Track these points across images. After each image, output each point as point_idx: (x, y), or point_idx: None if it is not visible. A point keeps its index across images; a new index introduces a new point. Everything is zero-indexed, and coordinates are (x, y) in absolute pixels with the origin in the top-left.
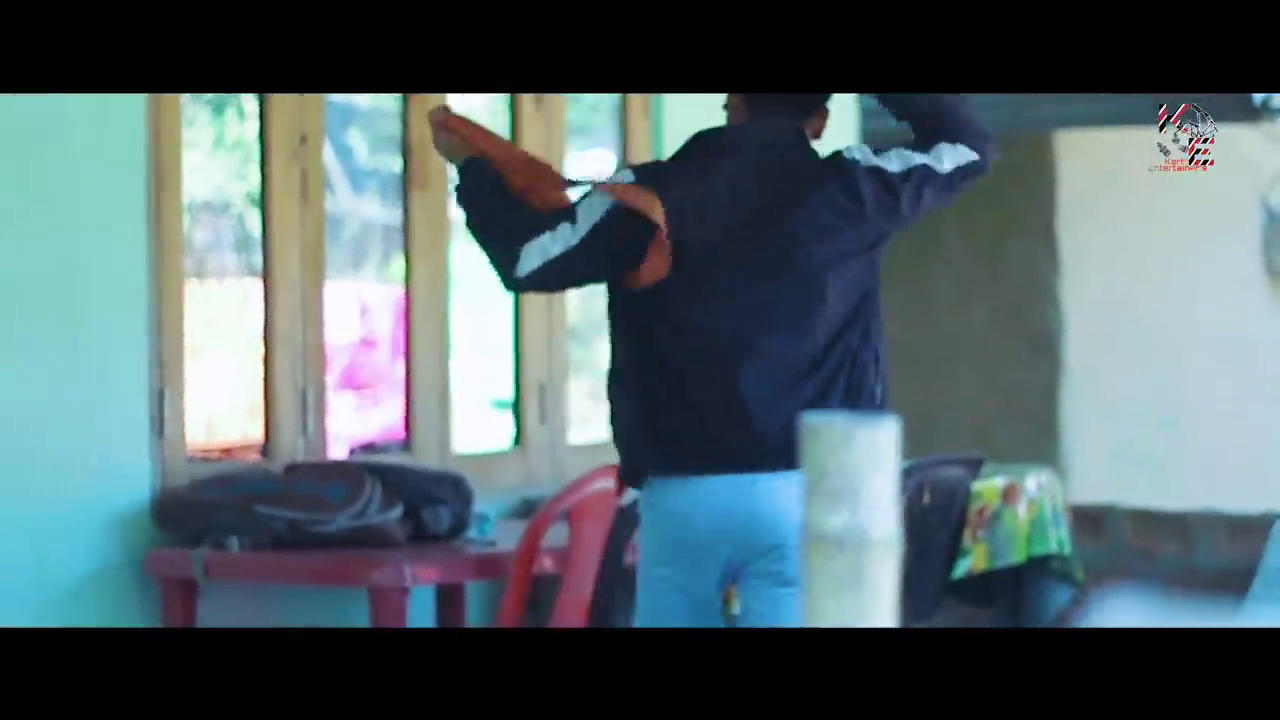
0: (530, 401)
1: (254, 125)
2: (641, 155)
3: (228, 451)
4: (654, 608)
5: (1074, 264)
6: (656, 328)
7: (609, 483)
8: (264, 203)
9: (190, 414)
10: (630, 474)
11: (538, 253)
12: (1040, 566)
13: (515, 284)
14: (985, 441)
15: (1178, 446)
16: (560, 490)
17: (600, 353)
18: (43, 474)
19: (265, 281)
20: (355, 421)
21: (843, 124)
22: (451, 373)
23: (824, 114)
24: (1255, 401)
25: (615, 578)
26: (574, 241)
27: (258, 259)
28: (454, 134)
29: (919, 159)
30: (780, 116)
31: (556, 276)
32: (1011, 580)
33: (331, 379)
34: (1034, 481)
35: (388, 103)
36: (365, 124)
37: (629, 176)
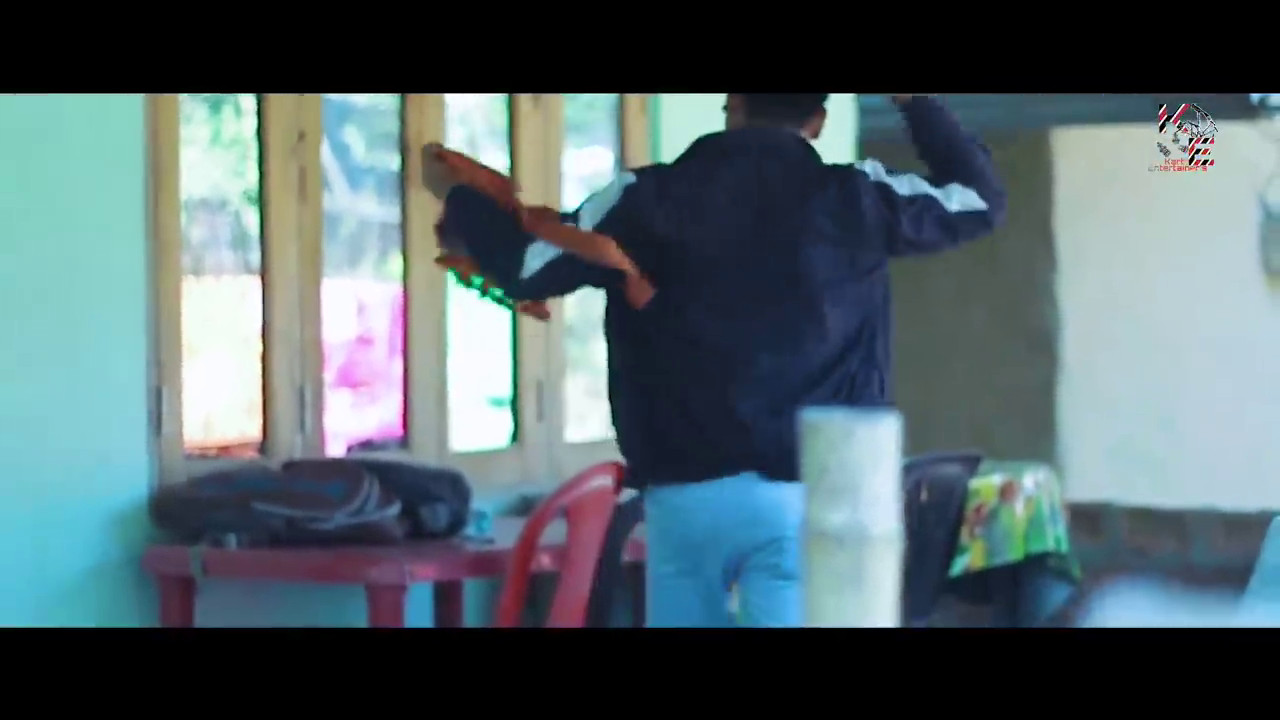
0: (528, 399)
1: (251, 122)
2: (639, 153)
3: (225, 449)
4: (663, 604)
5: (1072, 262)
6: (654, 336)
7: (607, 480)
8: (262, 200)
9: (188, 411)
10: (633, 480)
11: (540, 254)
12: (1038, 564)
13: (519, 286)
14: (983, 439)
15: (1175, 444)
16: (558, 487)
17: (598, 350)
18: (41, 471)
19: (263, 279)
20: (352, 419)
21: (841, 123)
22: (449, 370)
23: (822, 114)
24: (1252, 399)
25: (613, 575)
26: None
27: (255, 256)
28: (444, 165)
29: (929, 189)
30: (779, 118)
31: (561, 277)
32: (1009, 578)
33: (329, 377)
34: (1031, 479)
35: (385, 100)
36: (363, 121)
37: (630, 179)
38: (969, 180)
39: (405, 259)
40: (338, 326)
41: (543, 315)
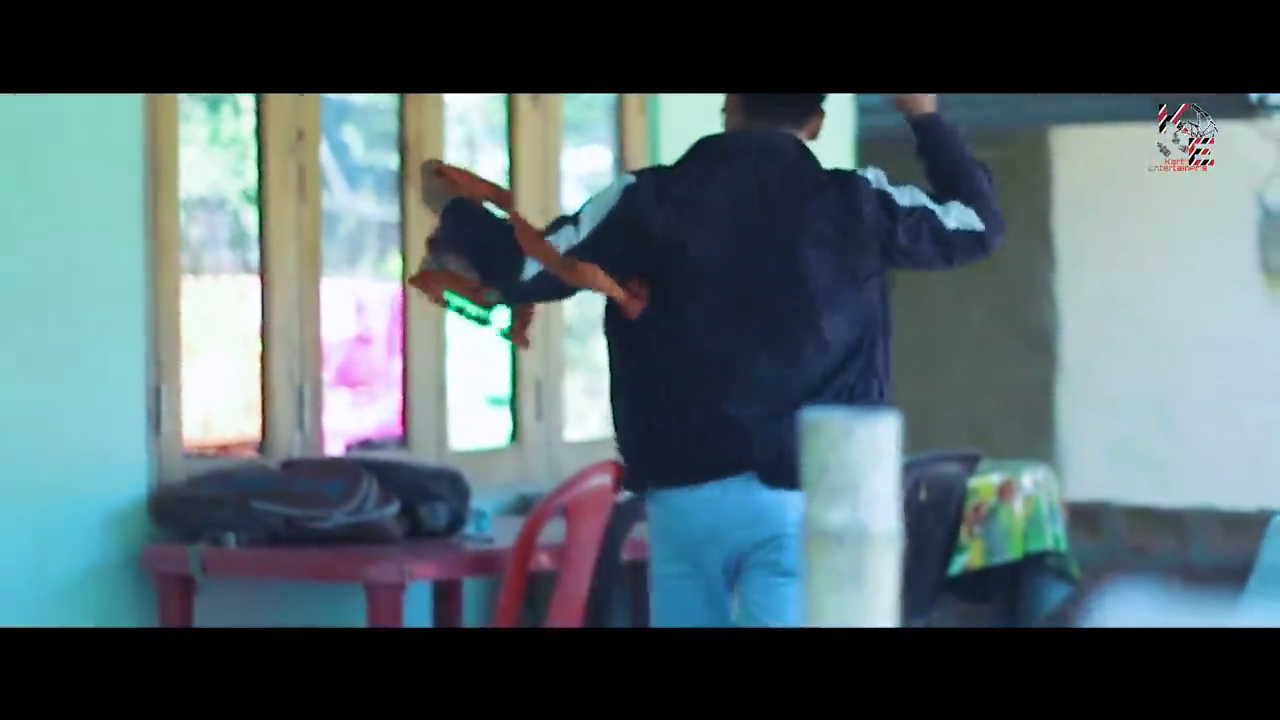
0: (527, 398)
1: (250, 121)
2: (638, 152)
3: (224, 448)
4: (667, 605)
5: (1070, 261)
6: (653, 338)
7: (606, 479)
8: (261, 199)
9: (187, 410)
10: (633, 484)
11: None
12: (1036, 563)
13: (520, 288)
14: (982, 438)
15: (1174, 444)
16: (557, 486)
17: (597, 350)
18: (40, 470)
19: (262, 278)
20: (351, 418)
21: (840, 122)
22: (448, 369)
23: (820, 115)
24: (1251, 399)
25: (612, 573)
26: (577, 241)
27: (254, 255)
28: (443, 180)
29: (928, 203)
30: (777, 119)
31: (559, 282)
32: (1008, 577)
33: (328, 376)
34: (1030, 478)
35: (384, 99)
36: (361, 121)
37: (630, 180)
38: (969, 200)
39: (404, 258)
40: (336, 325)
41: (523, 343)
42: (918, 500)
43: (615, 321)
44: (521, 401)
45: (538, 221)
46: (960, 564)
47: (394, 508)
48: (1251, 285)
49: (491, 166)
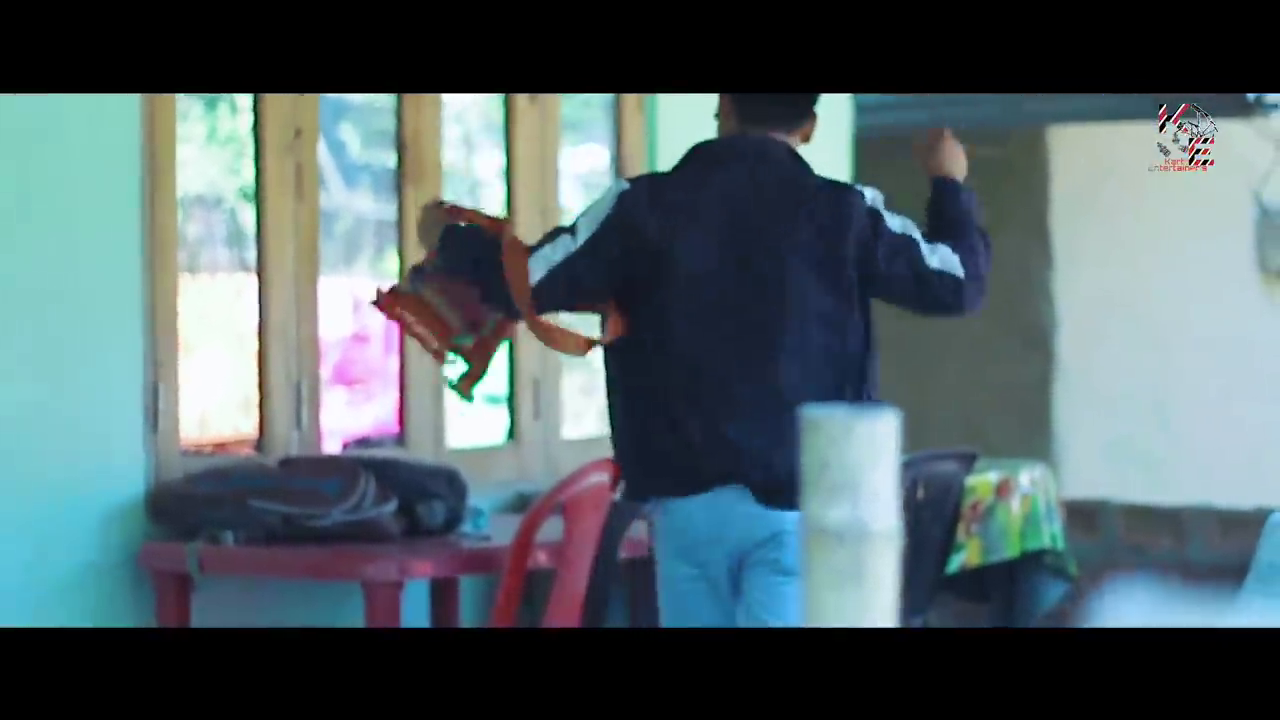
0: (524, 396)
1: (247, 120)
2: (635, 151)
3: (222, 446)
4: (676, 604)
5: (1067, 259)
6: (648, 343)
7: (603, 477)
8: (258, 198)
9: (184, 408)
10: (631, 491)
11: (541, 263)
12: (1034, 561)
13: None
14: (978, 437)
15: (1171, 442)
16: (555, 484)
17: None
18: (37, 468)
19: (259, 276)
20: (349, 416)
21: (838, 121)
22: (445, 368)
23: (813, 119)
24: (1248, 397)
25: (610, 571)
26: (574, 248)
27: (251, 254)
28: (442, 212)
29: (917, 236)
30: (771, 125)
31: (563, 284)
32: (1005, 575)
33: (325, 374)
34: (1027, 477)
35: (381, 98)
36: (359, 119)
37: (624, 186)
38: (957, 248)
39: (401, 256)
40: (334, 324)
41: (468, 397)
42: (915, 499)
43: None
44: (519, 400)
45: (536, 221)
46: (958, 562)
47: (391, 506)
48: (1249, 284)
49: (489, 165)
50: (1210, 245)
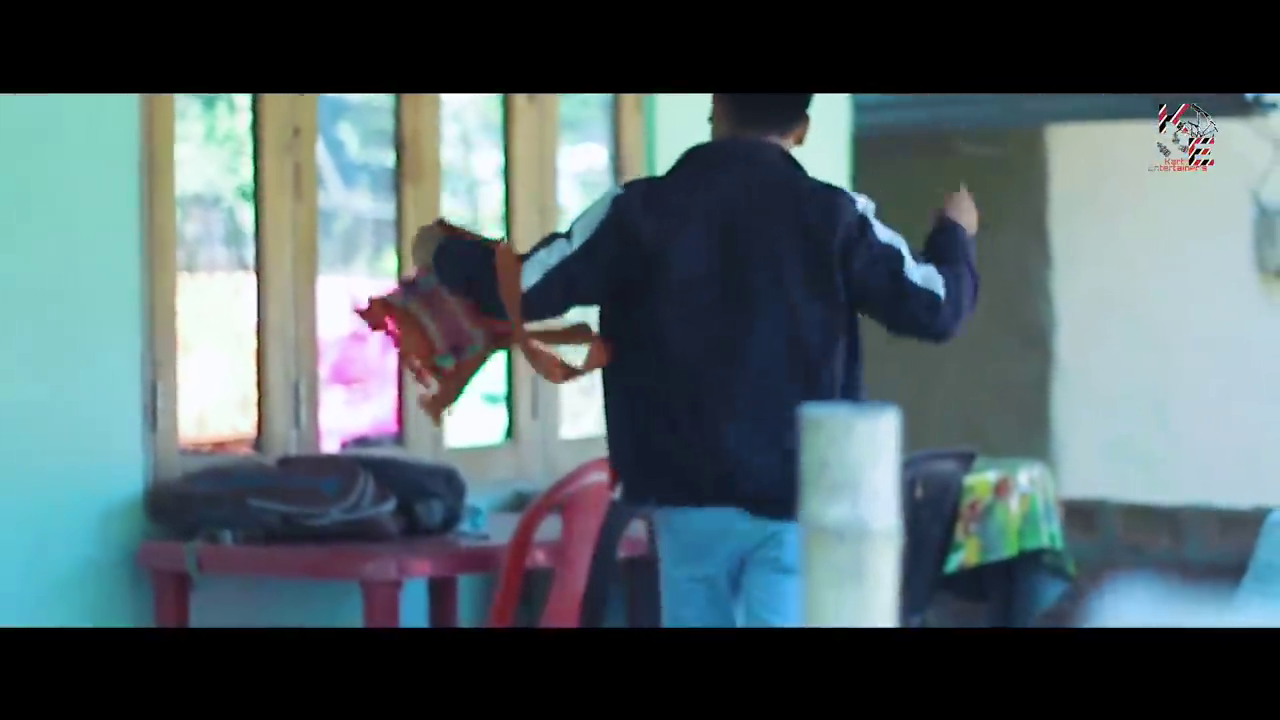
0: (522, 395)
1: (246, 119)
2: (634, 150)
3: (220, 445)
4: (678, 605)
5: (1066, 258)
6: (639, 351)
7: (602, 476)
8: (256, 197)
9: (183, 407)
10: (629, 497)
11: (537, 267)
12: (1032, 561)
13: (523, 299)
14: (977, 436)
15: (1170, 441)
16: (553, 484)
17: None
18: (36, 467)
19: (258, 275)
20: (347, 415)
21: (836, 120)
22: None
23: (806, 122)
24: (1246, 397)
25: (608, 570)
26: (569, 251)
27: (250, 253)
28: (437, 230)
29: (904, 251)
30: (764, 128)
31: (558, 288)
32: (1003, 574)
33: (323, 373)
34: (1026, 476)
35: (380, 97)
36: (357, 118)
37: (619, 190)
38: (943, 272)
39: (399, 255)
40: (332, 323)
41: (436, 419)
42: (914, 498)
43: (605, 331)
44: (517, 399)
45: (534, 220)
46: (956, 561)
47: (390, 505)
48: (1247, 283)
49: (487, 164)
50: (1209, 245)
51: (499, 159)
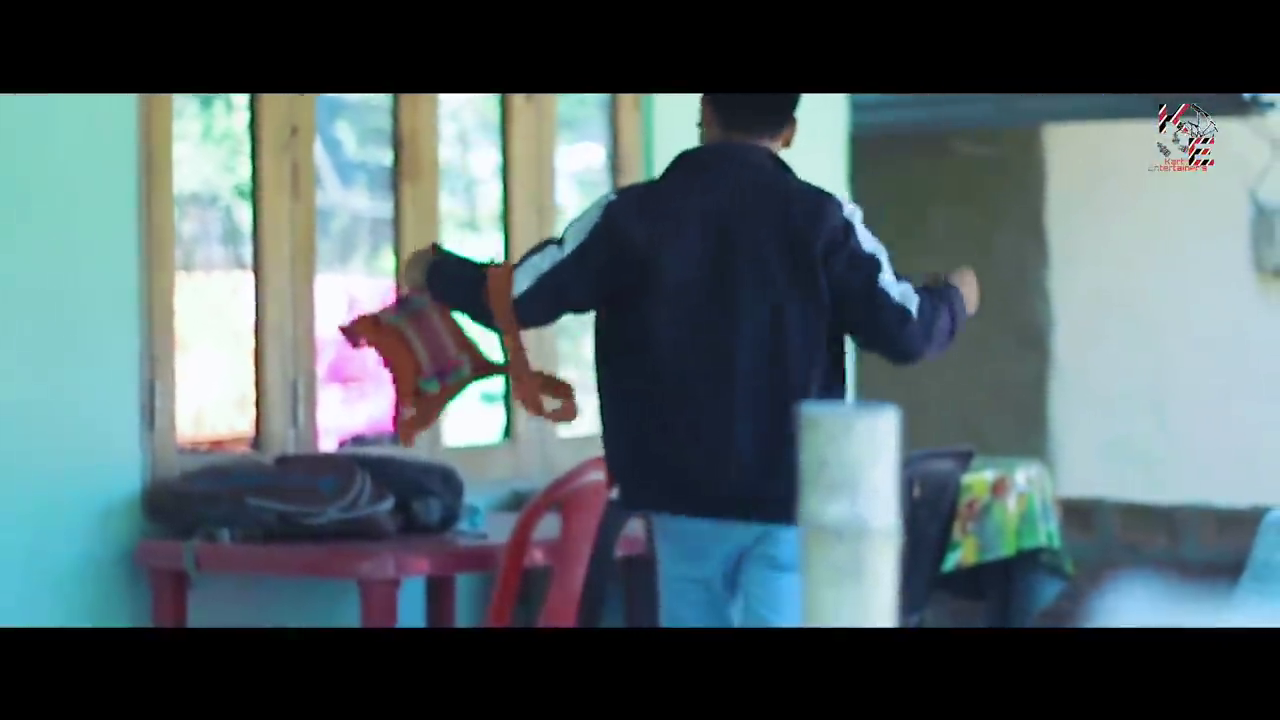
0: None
1: (244, 118)
2: (632, 149)
3: (218, 444)
4: (676, 604)
5: (1063, 258)
6: (634, 355)
7: (600, 475)
8: (254, 195)
9: (181, 406)
10: (626, 502)
11: (530, 271)
12: (1030, 560)
13: (516, 305)
14: (974, 435)
15: (1167, 441)
16: (551, 483)
17: (588, 346)
18: (34, 465)
19: (255, 274)
20: (345, 414)
21: (834, 119)
22: None
23: (793, 124)
24: (1244, 396)
25: (606, 569)
26: (562, 257)
27: (248, 252)
28: (434, 255)
29: (884, 261)
30: (753, 131)
31: (550, 293)
32: (1001, 573)
33: (321, 371)
34: (1023, 475)
35: (377, 96)
36: (355, 117)
37: (611, 197)
38: (923, 296)
39: (397, 254)
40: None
41: (408, 441)
42: (911, 497)
43: (600, 336)
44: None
45: (532, 219)
46: (954, 561)
47: (388, 504)
48: (1244, 283)
49: (485, 163)
50: (1206, 244)
51: (497, 158)
